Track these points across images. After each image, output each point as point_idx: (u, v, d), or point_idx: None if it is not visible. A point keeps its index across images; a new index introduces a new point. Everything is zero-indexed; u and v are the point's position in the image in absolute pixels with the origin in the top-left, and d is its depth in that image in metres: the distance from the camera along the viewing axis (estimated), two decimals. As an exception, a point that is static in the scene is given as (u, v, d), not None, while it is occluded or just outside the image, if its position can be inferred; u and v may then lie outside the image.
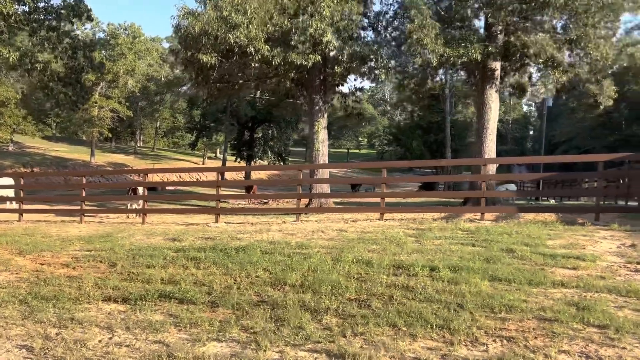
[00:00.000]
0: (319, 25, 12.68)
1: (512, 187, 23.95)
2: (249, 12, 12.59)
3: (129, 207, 16.08)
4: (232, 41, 12.71)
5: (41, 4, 18.36)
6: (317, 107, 16.02)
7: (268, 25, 13.20)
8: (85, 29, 20.22)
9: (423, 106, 36.87)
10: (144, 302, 5.35)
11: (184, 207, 19.15)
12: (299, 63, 13.43)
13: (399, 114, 50.82)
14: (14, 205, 17.68)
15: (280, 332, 4.25)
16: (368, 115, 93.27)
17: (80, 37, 19.75)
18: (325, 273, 6.11)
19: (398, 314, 4.43)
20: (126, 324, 4.64)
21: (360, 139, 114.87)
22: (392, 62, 14.99)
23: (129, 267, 7.34)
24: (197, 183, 30.91)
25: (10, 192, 17.71)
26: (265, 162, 46.05)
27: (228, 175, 45.52)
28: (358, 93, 18.78)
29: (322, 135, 16.07)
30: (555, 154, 51.98)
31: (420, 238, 8.61)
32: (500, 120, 55.72)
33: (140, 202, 16.26)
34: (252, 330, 4.36)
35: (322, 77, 16.04)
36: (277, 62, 13.57)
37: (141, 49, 60.96)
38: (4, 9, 17.39)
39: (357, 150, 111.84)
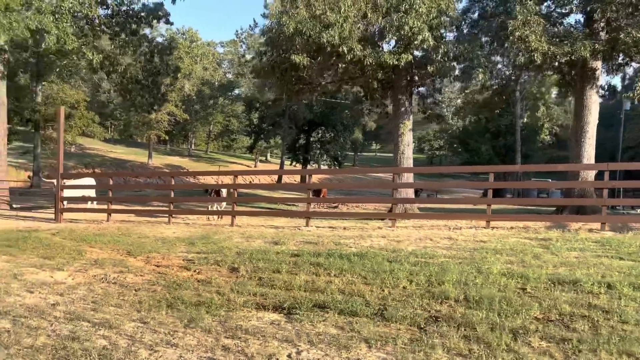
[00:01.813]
0: (415, 22, 12.20)
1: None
2: (342, 10, 12.24)
3: (209, 209, 16.02)
4: (324, 41, 12.42)
5: (123, 8, 18.70)
6: (402, 109, 15.51)
7: (360, 24, 12.84)
8: (147, 34, 20.49)
9: (492, 109, 35.58)
10: (299, 312, 5.00)
11: (261, 209, 18.95)
12: (391, 63, 12.99)
13: (456, 118, 49.59)
14: (94, 205, 18.02)
15: (495, 355, 3.78)
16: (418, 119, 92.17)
17: (160, 41, 20.06)
18: (481, 286, 5.61)
19: (622, 340, 3.87)
20: (308, 337, 4.28)
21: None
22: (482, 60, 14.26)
23: (252, 271, 7.07)
24: (277, 186, 30.97)
25: (92, 193, 18.05)
26: (324, 166, 45.82)
27: (285, 179, 45.56)
28: (437, 94, 18.19)
29: (408, 138, 15.54)
30: (622, 159, 49.25)
31: (550, 249, 7.96)
32: (560, 125, 53.59)
33: (223, 204, 16.23)
34: (457, 352, 3.90)
35: (408, 78, 15.54)
36: (368, 62, 13.17)
37: (198, 53, 62.13)
38: (89, 12, 17.77)
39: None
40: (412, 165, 16.26)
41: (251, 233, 11.54)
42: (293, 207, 22.58)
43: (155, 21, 19.06)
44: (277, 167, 67.83)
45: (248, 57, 53.09)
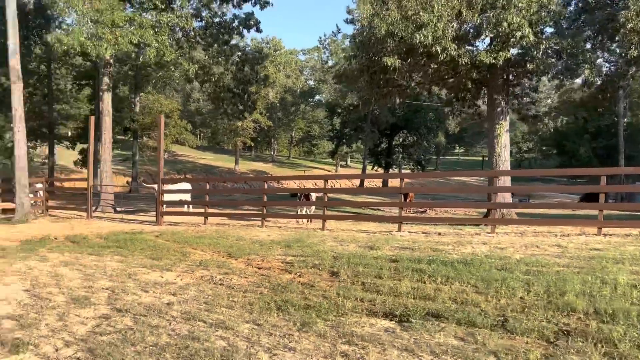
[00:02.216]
0: (514, 18, 11.61)
1: None
2: (436, 9, 11.90)
3: (299, 213, 16.19)
4: (417, 41, 12.14)
5: (216, 19, 19.50)
6: (498, 109, 14.82)
7: (453, 23, 12.43)
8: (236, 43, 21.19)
9: (594, 107, 33.25)
10: (413, 320, 4.81)
11: (352, 214, 18.93)
12: (487, 62, 12.45)
13: (547, 119, 46.80)
14: (190, 209, 18.84)
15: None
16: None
17: (247, 51, 20.76)
18: (610, 299, 5.13)
19: None
20: (429, 348, 4.09)
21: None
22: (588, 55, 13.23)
23: (352, 276, 6.97)
24: (361, 190, 31.00)
25: (187, 197, 18.86)
26: (405, 171, 45.12)
27: (366, 183, 45.37)
28: (533, 93, 17.22)
29: (504, 139, 14.82)
30: None
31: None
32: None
33: (312, 208, 16.36)
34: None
35: (504, 77, 14.84)
36: (463, 62, 12.72)
37: (281, 61, 63.63)
38: (185, 25, 18.68)
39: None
40: (509, 168, 15.49)
41: (343, 237, 11.48)
42: (378, 212, 22.35)
43: (245, 30, 19.72)
44: (357, 171, 67.81)
45: (330, 63, 53.57)
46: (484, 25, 12.11)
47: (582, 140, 40.13)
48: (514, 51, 13.76)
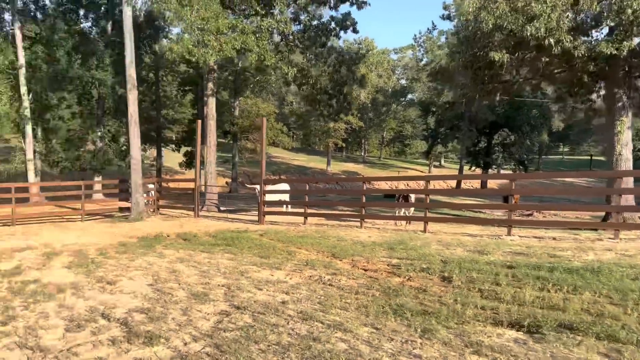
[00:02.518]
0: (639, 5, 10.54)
1: None
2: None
3: (397, 214, 15.93)
4: (528, 34, 11.43)
5: (314, 22, 19.76)
6: (619, 104, 13.59)
7: (568, 13, 11.56)
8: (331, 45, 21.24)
9: None
10: (544, 332, 4.47)
11: (455, 217, 18.30)
12: (608, 53, 11.44)
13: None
14: (289, 209, 19.22)
15: None
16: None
17: (343, 52, 20.87)
18: None
19: None
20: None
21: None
22: None
23: (467, 281, 6.66)
24: (459, 191, 30.11)
25: (286, 197, 19.24)
26: (504, 171, 43.03)
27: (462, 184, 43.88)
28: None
29: (626, 137, 13.55)
30: None
31: None
32: None
33: (412, 209, 16.04)
34: None
35: (626, 68, 13.57)
36: (580, 54, 11.79)
37: (373, 61, 63.38)
38: (285, 29, 19.12)
39: (601, 158, 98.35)
40: (631, 168, 14.15)
41: (448, 240, 11.10)
42: (480, 214, 21.45)
43: (342, 32, 19.79)
44: (451, 172, 65.77)
45: (424, 60, 52.48)
46: (604, 14, 11.11)
47: None
48: (637, 40, 12.51)
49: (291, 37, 19.86)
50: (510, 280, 6.55)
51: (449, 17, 42.03)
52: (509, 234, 11.70)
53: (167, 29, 32.79)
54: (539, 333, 4.46)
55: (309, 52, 20.08)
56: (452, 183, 46.29)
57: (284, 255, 9.30)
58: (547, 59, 13.18)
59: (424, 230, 12.93)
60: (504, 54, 12.37)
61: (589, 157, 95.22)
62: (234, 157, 38.98)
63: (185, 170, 41.42)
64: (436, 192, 17.56)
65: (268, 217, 16.77)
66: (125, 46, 17.11)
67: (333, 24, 19.91)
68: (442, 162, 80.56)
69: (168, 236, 13.05)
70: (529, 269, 7.19)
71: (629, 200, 13.58)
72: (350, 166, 71.54)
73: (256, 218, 17.90)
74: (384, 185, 49.03)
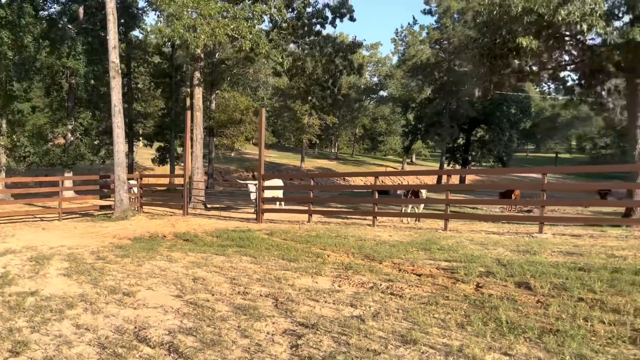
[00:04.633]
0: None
1: None
2: (583, -20, 10.46)
3: (403, 211, 15.08)
4: (560, 18, 10.74)
5: (309, 9, 18.68)
6: (643, 95, 13.13)
7: (600, -4, 10.93)
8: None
9: None
10: None
11: (476, 214, 17.60)
12: (640, 40, 10.87)
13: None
14: (282, 206, 18.13)
15: None
16: (583, 115, 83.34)
17: (341, 40, 19.84)
18: None
19: None
20: None
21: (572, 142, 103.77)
22: None
23: (551, 288, 5.81)
24: (444, 187, 29.47)
25: (279, 193, 18.14)
26: (487, 166, 42.90)
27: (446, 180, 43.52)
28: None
29: (649, 130, 13.13)
30: None
31: None
32: None
33: (422, 206, 15.22)
34: None
35: (653, 58, 13.07)
36: (614, 41, 11.18)
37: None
38: (279, 16, 17.99)
39: (567, 155, 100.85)
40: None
41: (479, 239, 10.30)
42: (479, 211, 20.87)
43: (339, 20, 18.76)
44: (425, 169, 65.73)
45: (396, 58, 52.03)
46: (640, -2, 10.52)
47: None
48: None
49: (284, 24, 18.72)
50: (604, 286, 5.73)
51: (430, 12, 41.71)
52: (540, 231, 10.99)
53: (142, 18, 31.07)
54: None
55: (302, 40, 18.98)
56: (427, 179, 45.94)
57: (312, 258, 8.28)
58: (575, 46, 12.56)
59: (445, 229, 12.11)
60: (532, 40, 11.66)
61: (554, 155, 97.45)
62: (210, 152, 37.42)
63: (158, 166, 39.59)
64: (437, 188, 16.79)
65: (265, 215, 15.65)
66: (107, 29, 15.67)
67: (328, 12, 18.88)
68: (414, 159, 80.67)
69: (164, 237, 11.82)
70: (607, 272, 6.41)
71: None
72: (324, 162, 70.64)
73: (249, 216, 16.81)
74: (363, 182, 48.29)
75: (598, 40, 11.90)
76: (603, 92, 14.98)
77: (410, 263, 7.79)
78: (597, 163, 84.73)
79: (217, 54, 34.88)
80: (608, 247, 8.65)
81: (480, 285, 6.21)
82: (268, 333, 4.56)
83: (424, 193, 14.41)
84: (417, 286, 6.23)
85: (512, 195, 19.46)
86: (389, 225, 13.54)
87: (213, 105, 37.10)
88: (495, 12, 11.97)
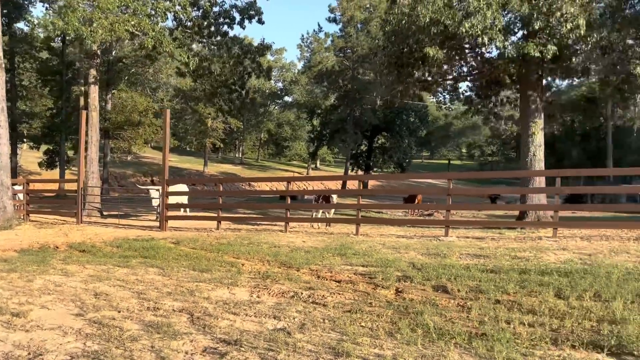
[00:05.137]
0: (569, 8, 10.86)
1: None
2: (484, -5, 11.04)
3: (314, 216, 15.04)
4: (464, 30, 11.25)
5: (215, 9, 18.07)
6: (533, 106, 14.10)
7: (500, 12, 11.60)
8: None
9: (581, 111, 33.68)
10: (635, 353, 3.84)
11: (386, 218, 17.87)
12: (535, 55, 11.68)
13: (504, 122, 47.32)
14: (188, 213, 17.37)
15: None
16: (473, 125, 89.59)
17: (248, 42, 19.33)
18: None
19: None
20: None
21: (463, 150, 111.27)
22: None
23: (469, 291, 5.95)
24: (365, 192, 29.80)
25: (184, 199, 17.36)
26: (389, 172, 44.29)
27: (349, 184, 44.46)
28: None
29: (539, 139, 14.12)
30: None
31: None
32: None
33: (332, 211, 15.25)
34: None
35: (539, 72, 14.14)
36: (510, 55, 11.92)
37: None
38: (184, 14, 17.23)
39: (458, 162, 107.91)
40: (543, 168, 14.83)
41: (390, 243, 10.48)
42: (384, 215, 21.46)
43: (247, 21, 18.35)
44: (329, 174, 66.82)
45: (301, 64, 52.47)
46: (534, 15, 11.34)
47: (574, 142, 40.48)
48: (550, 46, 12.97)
49: (190, 23, 17.97)
50: (516, 287, 5.96)
51: (334, 20, 42.50)
52: (446, 234, 11.42)
53: (28, 9, 28.39)
54: (633, 355, 3.81)
55: (209, 41, 18.34)
56: (331, 184, 46.78)
57: (227, 268, 7.88)
58: (475, 58, 13.30)
59: (357, 233, 12.20)
60: (438, 50, 12.15)
61: (447, 161, 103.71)
62: (105, 156, 35.10)
63: (46, 170, 36.38)
64: (349, 193, 17.01)
65: (170, 223, 14.83)
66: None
67: (236, 13, 18.40)
68: (318, 165, 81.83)
69: (57, 248, 10.73)
70: (516, 273, 6.72)
71: (541, 199, 14.21)
72: (228, 167, 69.26)
73: (151, 224, 15.88)
74: (269, 187, 47.88)
75: (495, 54, 12.68)
76: (497, 103, 16.03)
77: (328, 269, 7.67)
78: (484, 169, 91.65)
79: (113, 51, 32.89)
80: (510, 249, 9.15)
81: (400, 290, 6.22)
82: (187, 353, 4.15)
83: (334, 198, 14.47)
84: (339, 293, 6.09)
85: (415, 200, 20.23)
86: (300, 231, 13.40)
87: (109, 106, 34.94)
88: (404, 22, 12.36)
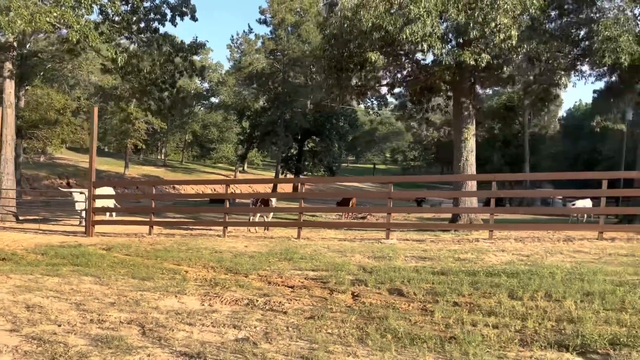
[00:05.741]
0: (502, 19, 11.37)
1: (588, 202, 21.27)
2: (423, 3, 11.28)
3: (251, 220, 14.74)
4: (404, 37, 11.45)
5: (147, 4, 17.24)
6: (466, 113, 14.63)
7: (438, 20, 11.93)
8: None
9: (501, 119, 35.55)
10: (599, 351, 3.99)
11: (330, 221, 17.74)
12: (470, 62, 12.13)
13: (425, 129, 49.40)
14: (114, 217, 16.44)
15: None
16: (397, 130, 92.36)
17: (180, 40, 18.58)
18: None
19: None
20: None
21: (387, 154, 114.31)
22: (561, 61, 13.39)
23: (425, 294, 6.00)
24: (296, 195, 29.46)
25: (110, 203, 16.41)
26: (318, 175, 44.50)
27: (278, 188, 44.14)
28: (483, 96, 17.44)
29: (471, 144, 14.67)
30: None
31: None
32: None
33: (271, 214, 14.96)
34: None
35: (472, 80, 14.70)
36: (447, 62, 12.27)
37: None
38: (111, 9, 16.32)
39: (382, 166, 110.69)
40: (475, 173, 15.43)
41: (334, 247, 10.43)
42: (318, 218, 21.49)
43: (179, 18, 17.66)
44: (256, 177, 66.15)
45: (229, 64, 51.60)
46: (470, 25, 11.79)
47: (495, 148, 42.78)
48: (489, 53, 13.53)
49: (118, 17, 17.03)
50: (470, 289, 6.08)
51: (265, 22, 42.18)
52: (387, 237, 11.55)
53: None
54: (593, 352, 3.96)
55: (139, 37, 17.48)
56: (259, 187, 46.10)
57: (170, 275, 7.46)
58: (412, 64, 13.60)
59: (298, 237, 12.04)
60: (379, 55, 12.31)
61: (372, 166, 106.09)
62: (18, 156, 32.45)
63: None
64: (287, 196, 16.85)
65: (96, 228, 13.93)
66: None
67: (167, 9, 17.67)
68: (246, 168, 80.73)
69: (-30, 257, 9.68)
70: (465, 275, 6.87)
71: (473, 202, 14.79)
72: (151, 170, 66.49)
73: (75, 229, 14.86)
74: (195, 190, 46.40)
75: (430, 60, 13.05)
76: (429, 109, 16.54)
77: (277, 275, 7.48)
78: (407, 173, 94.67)
79: (27, 45, 30.56)
80: (453, 251, 9.39)
81: (356, 294, 6.15)
82: (146, 370, 3.82)
83: (273, 202, 14.25)
84: (295, 299, 5.93)
85: (350, 203, 20.39)
86: (239, 235, 13.05)
87: (22, 103, 32.39)
88: (346, 25, 12.43)
